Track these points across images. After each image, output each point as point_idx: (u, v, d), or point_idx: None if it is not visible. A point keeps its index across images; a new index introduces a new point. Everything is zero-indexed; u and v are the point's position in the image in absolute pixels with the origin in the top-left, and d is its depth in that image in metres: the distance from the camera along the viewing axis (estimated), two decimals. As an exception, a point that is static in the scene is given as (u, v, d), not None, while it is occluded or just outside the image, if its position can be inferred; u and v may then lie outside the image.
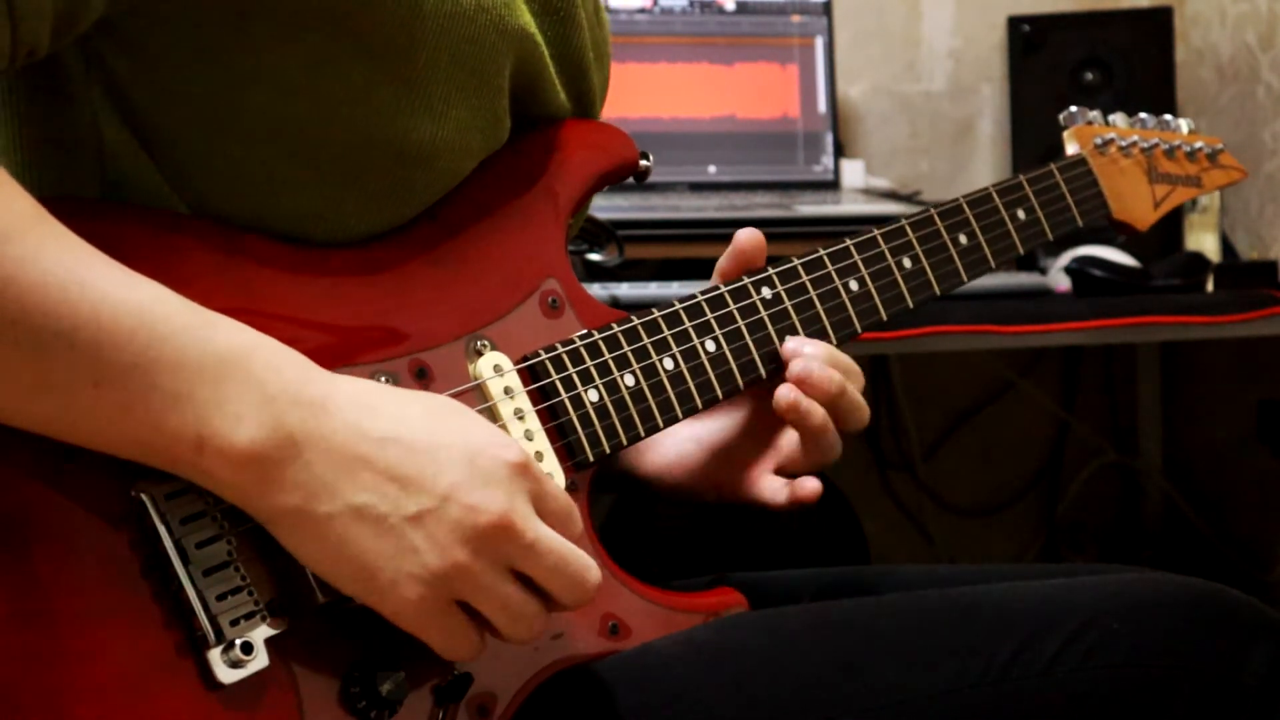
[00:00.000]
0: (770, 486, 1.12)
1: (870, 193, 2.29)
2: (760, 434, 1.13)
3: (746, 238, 1.12)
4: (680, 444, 1.16)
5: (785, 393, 1.06)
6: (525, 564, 0.85)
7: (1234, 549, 2.57)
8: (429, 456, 0.83)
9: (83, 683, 0.78)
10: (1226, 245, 2.30)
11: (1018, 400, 2.65)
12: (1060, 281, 2.00)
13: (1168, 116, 1.43)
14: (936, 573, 1.20)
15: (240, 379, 0.80)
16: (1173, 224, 2.24)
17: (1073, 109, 1.37)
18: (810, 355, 1.07)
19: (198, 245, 0.90)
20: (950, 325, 1.80)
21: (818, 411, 1.06)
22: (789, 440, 1.11)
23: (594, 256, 1.76)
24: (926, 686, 0.93)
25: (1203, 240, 2.23)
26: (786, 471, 1.12)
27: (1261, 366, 2.45)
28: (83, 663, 0.78)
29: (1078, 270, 1.98)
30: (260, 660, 0.83)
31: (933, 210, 1.19)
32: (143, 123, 0.91)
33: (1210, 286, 2.02)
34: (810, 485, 1.08)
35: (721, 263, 1.13)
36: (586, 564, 0.87)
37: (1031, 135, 2.38)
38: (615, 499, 2.26)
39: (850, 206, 2.16)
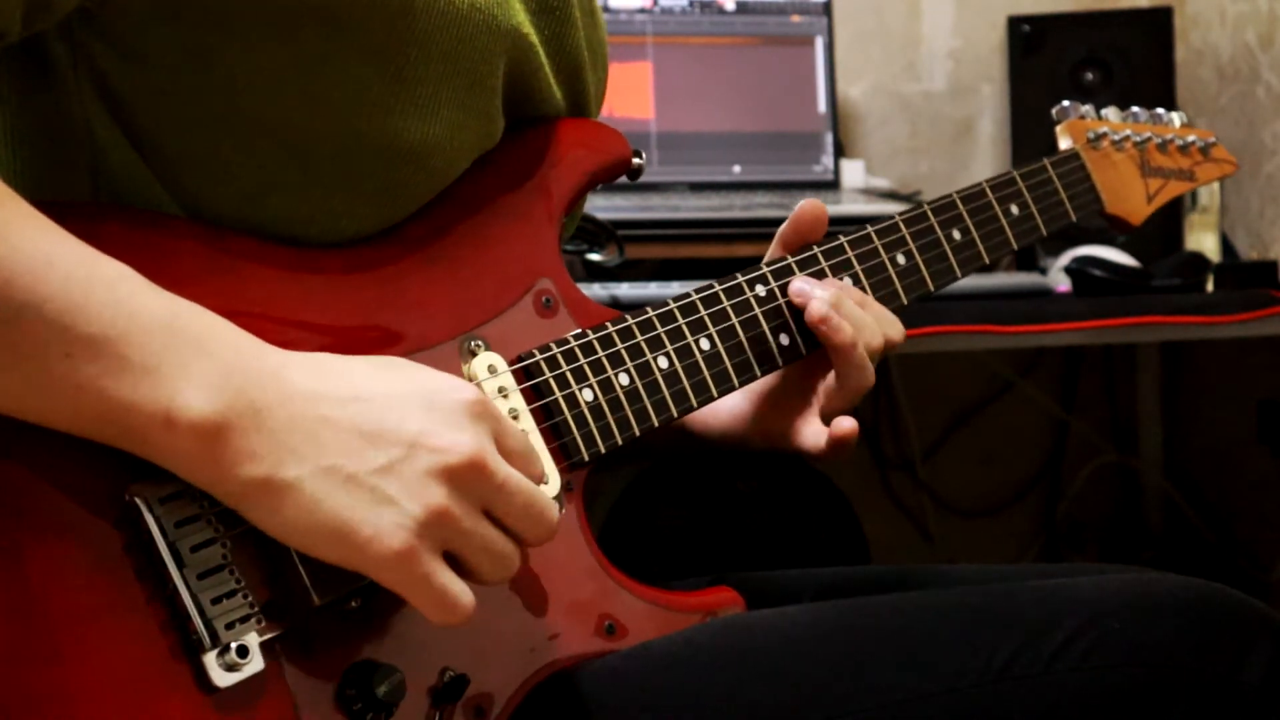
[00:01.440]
0: (812, 433, 1.14)
1: (870, 193, 2.29)
2: (801, 383, 1.15)
3: (809, 208, 1.14)
4: (731, 397, 1.16)
5: (818, 307, 1.09)
6: (496, 504, 0.85)
7: (1234, 549, 2.56)
8: (389, 408, 0.84)
9: (77, 687, 0.78)
10: (1226, 245, 2.29)
11: (1018, 400, 2.65)
12: (1060, 281, 2.00)
13: (1160, 110, 1.43)
14: (936, 572, 1.20)
15: (202, 355, 0.80)
16: (1173, 224, 2.23)
17: (1065, 104, 1.37)
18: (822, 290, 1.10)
19: (190, 247, 0.90)
20: (950, 325, 1.80)
21: (846, 327, 1.08)
22: (826, 383, 1.13)
23: (594, 256, 1.76)
24: (926, 686, 0.93)
25: (1203, 240, 2.22)
26: (828, 413, 1.14)
27: (1261, 366, 2.45)
28: (77, 667, 0.78)
29: (1078, 270, 1.98)
30: (256, 664, 0.83)
31: (926, 206, 1.20)
32: (133, 122, 0.91)
33: (1210, 286, 2.02)
34: (846, 425, 1.10)
35: (783, 229, 1.16)
36: (549, 503, 0.88)
37: (1031, 135, 2.38)
38: (616, 499, 2.26)
39: (850, 206, 2.16)
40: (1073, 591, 1.00)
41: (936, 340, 1.81)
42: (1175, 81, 2.39)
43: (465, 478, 0.84)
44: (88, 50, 0.90)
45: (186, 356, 0.79)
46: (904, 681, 0.93)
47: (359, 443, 0.82)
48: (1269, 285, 2.00)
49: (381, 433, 0.83)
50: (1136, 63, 2.37)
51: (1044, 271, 2.08)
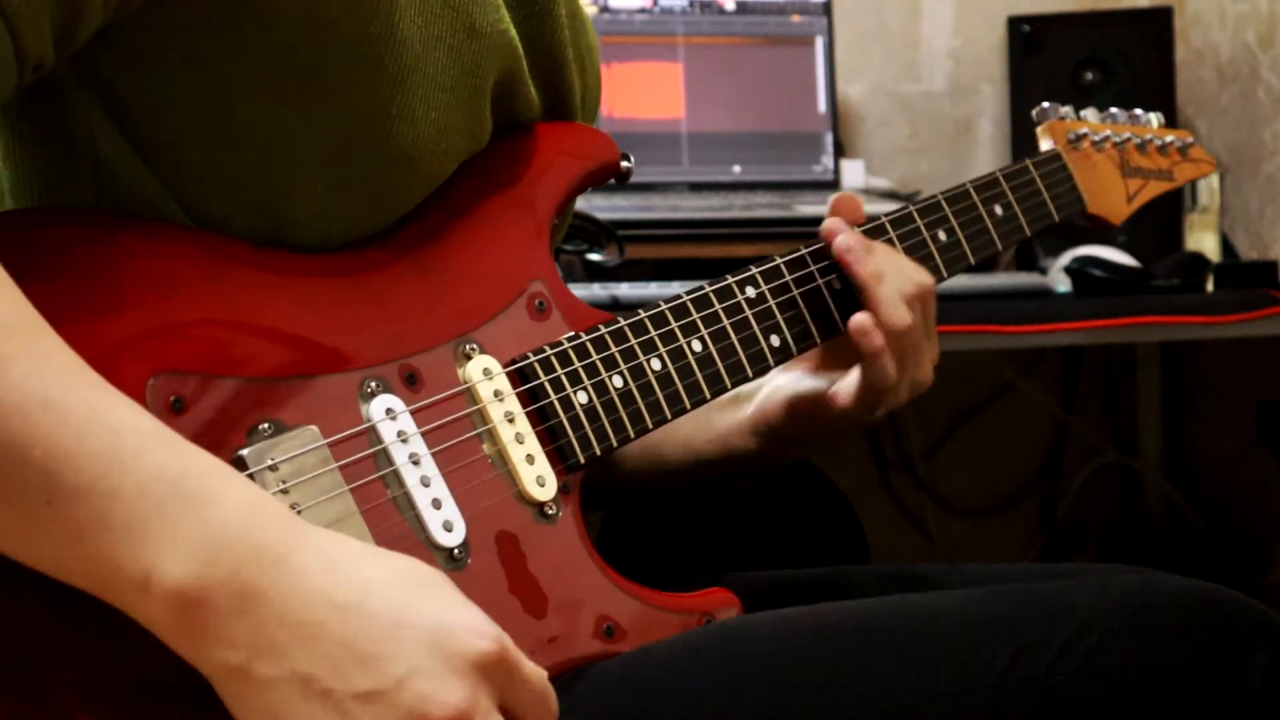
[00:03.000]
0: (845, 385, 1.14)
1: (870, 193, 2.29)
2: (831, 359, 1.16)
3: (842, 203, 1.16)
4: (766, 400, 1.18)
5: (843, 239, 1.13)
6: None
7: (1234, 549, 2.56)
8: (392, 633, 0.76)
9: (84, 687, 0.78)
10: (1226, 245, 2.29)
11: (1018, 400, 2.65)
12: (1060, 281, 2.00)
13: (1138, 111, 1.44)
14: (936, 573, 1.20)
15: (200, 518, 0.75)
16: (1173, 224, 2.23)
17: (1044, 105, 1.38)
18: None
19: (185, 253, 0.90)
20: (950, 325, 1.80)
21: (872, 261, 1.12)
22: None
23: (594, 256, 1.76)
24: (927, 689, 0.93)
25: (1203, 240, 2.22)
26: (859, 389, 1.13)
27: (1261, 366, 2.45)
28: (80, 670, 0.79)
29: (1078, 270, 1.98)
30: None
31: (912, 207, 1.20)
32: (136, 129, 0.92)
33: (1210, 286, 2.02)
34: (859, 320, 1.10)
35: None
36: None
37: (1031, 135, 2.36)
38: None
39: (850, 206, 2.16)
40: (1074, 593, 1.00)
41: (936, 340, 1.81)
42: (1175, 81, 2.39)
43: None
44: (93, 62, 0.90)
45: (180, 518, 0.75)
46: (905, 684, 0.93)
47: (348, 661, 0.75)
48: (1269, 285, 1.99)
49: (374, 658, 0.76)
50: (1136, 63, 2.36)
51: (1044, 271, 2.08)
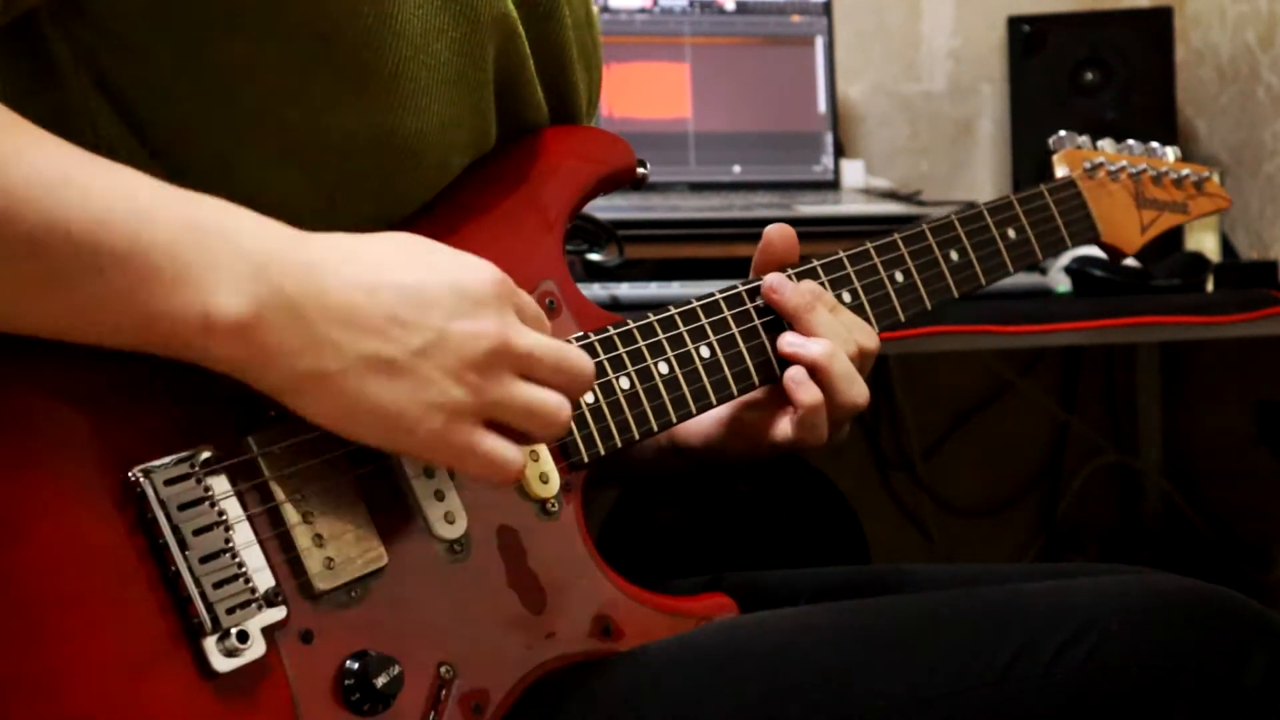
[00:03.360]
0: (783, 424, 1.11)
1: (870, 193, 2.29)
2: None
3: (777, 236, 1.14)
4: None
5: (790, 338, 1.09)
6: (530, 371, 0.88)
7: (1234, 549, 2.56)
8: (418, 294, 0.85)
9: (75, 666, 0.78)
10: (1226, 245, 2.30)
11: (1018, 400, 2.65)
12: (1060, 281, 2.00)
13: (1155, 144, 1.45)
14: (936, 573, 1.20)
15: (231, 253, 0.81)
16: (1173, 224, 2.23)
17: (1061, 133, 1.39)
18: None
19: None
20: (950, 325, 1.80)
21: (815, 346, 1.08)
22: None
23: (594, 256, 1.76)
24: (927, 689, 0.93)
25: (1203, 240, 2.22)
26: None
27: (1261, 366, 2.45)
28: (75, 647, 0.78)
29: (1078, 270, 1.98)
30: (256, 649, 0.83)
31: (925, 225, 1.20)
32: (137, 118, 0.92)
33: (1210, 286, 2.02)
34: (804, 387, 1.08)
35: (755, 259, 1.14)
36: (580, 354, 0.91)
37: (1031, 135, 2.38)
38: (616, 499, 2.26)
39: (850, 206, 2.16)
40: (1072, 593, 1.00)
41: (936, 340, 1.81)
42: (1175, 81, 2.39)
43: (495, 356, 0.86)
44: (88, 47, 0.90)
45: (217, 256, 0.81)
46: (904, 685, 0.93)
47: (394, 329, 0.84)
48: (1269, 285, 2.00)
49: (413, 318, 0.84)
50: (1136, 63, 2.37)
51: (1044, 271, 2.08)
